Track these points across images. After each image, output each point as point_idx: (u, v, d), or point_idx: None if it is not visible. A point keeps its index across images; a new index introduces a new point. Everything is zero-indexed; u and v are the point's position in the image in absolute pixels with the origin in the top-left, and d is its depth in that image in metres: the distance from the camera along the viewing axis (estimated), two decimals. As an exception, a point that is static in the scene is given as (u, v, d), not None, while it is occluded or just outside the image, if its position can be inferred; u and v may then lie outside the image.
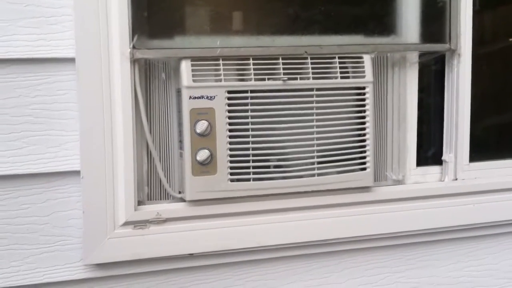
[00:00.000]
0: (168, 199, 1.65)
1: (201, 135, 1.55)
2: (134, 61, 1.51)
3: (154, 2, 1.53)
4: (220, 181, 1.58)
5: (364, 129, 1.71)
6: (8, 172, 1.47)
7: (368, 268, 1.83)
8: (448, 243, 1.90)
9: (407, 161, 1.85)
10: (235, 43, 1.60)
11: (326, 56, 1.66)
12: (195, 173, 1.56)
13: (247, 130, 1.59)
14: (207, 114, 1.55)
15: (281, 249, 1.70)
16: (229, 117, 1.57)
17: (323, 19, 1.68)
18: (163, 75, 1.60)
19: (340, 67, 1.66)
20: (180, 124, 1.58)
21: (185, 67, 1.53)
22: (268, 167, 1.63)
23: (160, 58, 1.56)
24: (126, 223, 1.54)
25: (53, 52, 1.45)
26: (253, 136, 1.60)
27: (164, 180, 1.62)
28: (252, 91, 1.58)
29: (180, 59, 1.54)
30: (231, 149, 1.58)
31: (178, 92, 1.57)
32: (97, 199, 1.51)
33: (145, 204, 1.60)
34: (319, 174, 1.67)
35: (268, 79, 1.60)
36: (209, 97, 1.54)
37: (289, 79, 1.61)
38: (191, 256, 1.61)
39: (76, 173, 1.50)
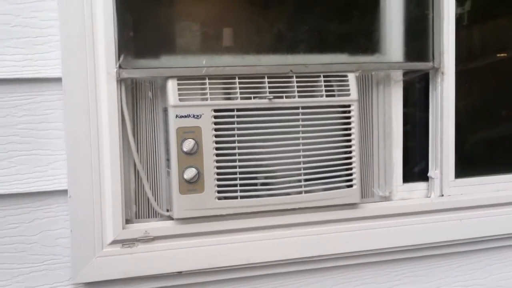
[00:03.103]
0: (156, 217, 1.65)
1: (188, 153, 1.56)
2: (120, 80, 1.53)
3: (140, 22, 1.55)
4: (207, 199, 1.59)
5: (350, 146, 1.72)
6: (-5, 192, 1.48)
7: (356, 284, 1.84)
8: (435, 258, 1.91)
9: (393, 178, 1.86)
10: (221, 62, 1.61)
11: (311, 74, 1.68)
12: (182, 191, 1.57)
13: (233, 148, 1.60)
14: (194, 132, 1.56)
15: (269, 266, 1.71)
16: (216, 136, 1.58)
17: (308, 38, 1.71)
18: (150, 94, 1.62)
19: (325, 86, 1.68)
20: (167, 143, 1.60)
21: (171, 86, 1.55)
22: (255, 184, 1.64)
23: (146, 77, 1.58)
24: (114, 242, 1.54)
25: (40, 72, 1.47)
26: (240, 154, 1.61)
27: (151, 199, 1.63)
28: (238, 110, 1.60)
29: (166, 78, 1.56)
30: (218, 167, 1.59)
31: (165, 111, 1.59)
32: (85, 218, 1.51)
33: (133, 223, 1.61)
34: (306, 191, 1.68)
35: (254, 97, 1.61)
36: (196, 116, 1.56)
37: (275, 97, 1.62)
38: (179, 274, 1.61)
39: (64, 192, 1.51)
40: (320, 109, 1.68)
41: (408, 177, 1.89)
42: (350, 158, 1.72)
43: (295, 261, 1.72)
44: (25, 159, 1.49)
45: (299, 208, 1.69)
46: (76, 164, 1.49)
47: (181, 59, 1.60)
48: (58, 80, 1.48)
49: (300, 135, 1.66)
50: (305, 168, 1.67)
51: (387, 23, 1.80)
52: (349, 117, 1.71)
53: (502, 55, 2.07)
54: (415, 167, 1.92)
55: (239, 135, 1.60)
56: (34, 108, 1.48)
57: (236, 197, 1.62)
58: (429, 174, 1.90)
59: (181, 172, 1.56)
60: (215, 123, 1.58)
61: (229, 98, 1.62)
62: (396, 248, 1.82)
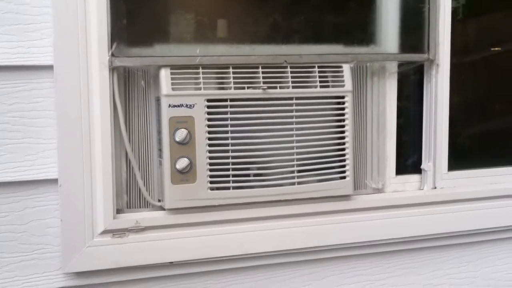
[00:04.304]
0: (147, 207, 1.65)
1: (181, 143, 1.55)
2: (112, 69, 1.51)
3: (133, 10, 1.53)
4: (199, 190, 1.58)
5: (343, 137, 1.71)
6: (-15, 180, 1.47)
7: (348, 276, 1.84)
8: (428, 251, 1.92)
9: (386, 170, 1.86)
10: (215, 52, 1.60)
11: (306, 65, 1.67)
12: (174, 181, 1.56)
13: (226, 138, 1.59)
14: (187, 122, 1.55)
15: (262, 257, 1.70)
16: (209, 126, 1.57)
17: (303, 29, 1.70)
18: (143, 83, 1.61)
19: (320, 76, 1.67)
20: (159, 133, 1.59)
21: (165, 75, 1.54)
22: (248, 175, 1.63)
23: (139, 66, 1.57)
24: (105, 232, 1.53)
25: (31, 60, 1.45)
26: (233, 144, 1.60)
27: (143, 189, 1.62)
28: (231, 100, 1.59)
29: (159, 67, 1.55)
30: (210, 158, 1.58)
31: (158, 100, 1.57)
32: (75, 208, 1.50)
33: (124, 213, 1.60)
34: (299, 183, 1.67)
35: (248, 87, 1.60)
36: (189, 106, 1.54)
37: (269, 87, 1.61)
38: (171, 264, 1.61)
39: (54, 181, 1.50)
40: (314, 100, 1.67)
41: (401, 169, 1.90)
42: (343, 149, 1.72)
43: (288, 252, 1.72)
44: (15, 148, 1.47)
45: (292, 200, 1.68)
46: (67, 153, 1.48)
47: (174, 48, 1.58)
48: (49, 67, 1.46)
49: (294, 126, 1.66)
50: (298, 159, 1.67)
51: (382, 14, 1.79)
52: (343, 109, 1.70)
53: (496, 49, 2.06)
54: (408, 159, 1.92)
55: (232, 126, 1.59)
56: (24, 96, 1.46)
57: (228, 188, 1.61)
58: (422, 167, 1.90)
59: (173, 162, 1.55)
60: (208, 113, 1.56)
61: (222, 88, 1.61)
62: (389, 240, 1.82)
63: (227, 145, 1.60)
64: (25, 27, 1.45)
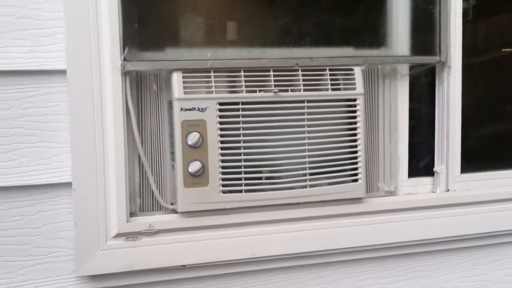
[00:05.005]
0: (160, 210, 1.65)
1: (193, 146, 1.55)
2: (125, 73, 1.52)
3: (145, 14, 1.54)
4: (212, 193, 1.58)
5: (355, 140, 1.71)
6: None
7: (360, 279, 1.83)
8: (440, 254, 1.90)
9: (399, 173, 1.85)
10: (226, 55, 1.60)
11: (317, 68, 1.67)
12: (187, 184, 1.56)
13: (238, 141, 1.60)
14: (199, 126, 1.55)
15: (274, 260, 1.70)
16: (221, 129, 1.57)
17: (314, 32, 1.70)
18: (155, 87, 1.61)
19: (331, 79, 1.67)
20: (171, 136, 1.59)
21: (176, 79, 1.54)
22: (260, 178, 1.63)
23: (151, 70, 1.57)
24: (118, 235, 1.54)
25: (44, 64, 1.46)
26: (245, 147, 1.60)
27: (156, 192, 1.63)
28: (243, 103, 1.59)
29: (171, 71, 1.55)
30: (222, 161, 1.58)
31: (170, 104, 1.58)
32: (89, 211, 1.51)
33: (137, 216, 1.60)
34: (311, 186, 1.67)
35: (259, 91, 1.61)
36: (201, 109, 1.55)
37: (280, 91, 1.62)
38: (183, 267, 1.61)
39: (68, 185, 1.50)
40: (326, 102, 1.67)
41: (414, 172, 1.88)
42: (355, 152, 1.72)
43: (300, 255, 1.71)
44: (29, 152, 1.48)
45: (304, 203, 1.68)
46: (80, 156, 1.49)
47: (186, 51, 1.59)
48: (62, 72, 1.47)
49: (306, 129, 1.66)
50: (310, 162, 1.67)
51: (393, 16, 1.79)
52: (354, 111, 1.70)
53: (508, 49, 2.05)
54: (421, 162, 1.91)
55: (244, 129, 1.60)
56: (38, 100, 1.48)
57: (240, 191, 1.61)
58: (434, 169, 1.89)
59: (185, 166, 1.56)
60: (220, 117, 1.57)
61: (234, 91, 1.61)
62: (401, 243, 1.81)
63: (239, 148, 1.60)
64: (38, 32, 1.46)
